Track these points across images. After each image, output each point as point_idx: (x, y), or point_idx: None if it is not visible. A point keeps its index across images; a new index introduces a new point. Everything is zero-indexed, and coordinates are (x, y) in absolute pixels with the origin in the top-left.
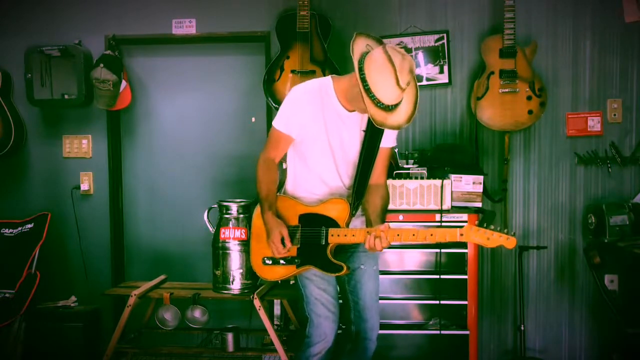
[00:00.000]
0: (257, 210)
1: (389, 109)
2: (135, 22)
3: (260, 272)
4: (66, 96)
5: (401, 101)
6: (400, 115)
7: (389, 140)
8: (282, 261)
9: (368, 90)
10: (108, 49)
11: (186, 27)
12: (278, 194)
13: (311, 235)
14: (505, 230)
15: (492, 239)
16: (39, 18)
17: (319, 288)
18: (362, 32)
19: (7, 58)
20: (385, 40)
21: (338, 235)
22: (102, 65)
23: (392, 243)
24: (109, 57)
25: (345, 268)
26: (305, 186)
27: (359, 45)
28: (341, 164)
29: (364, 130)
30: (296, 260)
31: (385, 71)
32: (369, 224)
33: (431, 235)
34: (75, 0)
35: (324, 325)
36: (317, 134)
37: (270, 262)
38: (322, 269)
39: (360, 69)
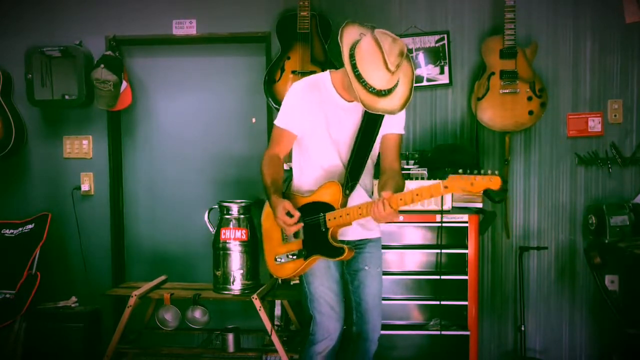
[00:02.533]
0: (265, 211)
1: (382, 93)
2: (136, 22)
3: (274, 271)
4: (67, 97)
5: (396, 86)
6: (394, 101)
7: (394, 126)
8: (291, 256)
9: (359, 76)
10: (108, 49)
11: (186, 27)
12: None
13: (311, 224)
14: (489, 172)
15: (476, 182)
16: (39, 18)
17: (323, 285)
18: (352, 20)
19: (8, 58)
20: None
21: (334, 218)
22: (102, 65)
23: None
24: (109, 58)
25: (346, 250)
26: (310, 180)
27: (350, 34)
28: (344, 154)
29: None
30: (303, 253)
31: (374, 55)
32: None
33: (417, 195)
34: (75, 0)
35: (326, 324)
36: (317, 127)
37: (282, 260)
38: (327, 256)
39: (352, 56)
